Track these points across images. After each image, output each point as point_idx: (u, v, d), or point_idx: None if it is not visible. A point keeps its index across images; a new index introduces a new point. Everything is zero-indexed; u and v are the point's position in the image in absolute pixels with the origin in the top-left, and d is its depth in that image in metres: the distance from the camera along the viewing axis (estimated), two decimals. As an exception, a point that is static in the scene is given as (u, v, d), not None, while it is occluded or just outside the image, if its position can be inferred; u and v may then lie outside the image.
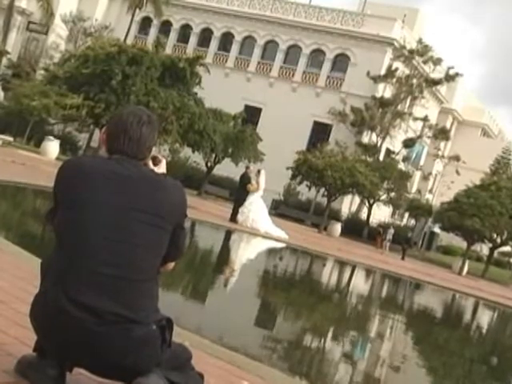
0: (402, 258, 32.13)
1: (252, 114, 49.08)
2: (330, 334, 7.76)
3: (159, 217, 2.35)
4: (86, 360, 2.30)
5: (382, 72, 48.93)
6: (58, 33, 50.88)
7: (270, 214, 25.58)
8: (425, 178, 55.64)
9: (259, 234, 19.77)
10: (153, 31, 56.56)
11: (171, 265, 2.55)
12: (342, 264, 18.44)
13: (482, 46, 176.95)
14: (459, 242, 44.86)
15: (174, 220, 2.40)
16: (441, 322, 12.13)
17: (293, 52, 53.66)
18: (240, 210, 20.78)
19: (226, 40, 55.99)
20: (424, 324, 11.11)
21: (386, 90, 49.87)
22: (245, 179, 21.52)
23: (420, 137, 52.41)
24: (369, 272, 18.60)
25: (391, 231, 38.86)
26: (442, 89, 56.53)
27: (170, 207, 2.39)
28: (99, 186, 2.33)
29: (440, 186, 57.09)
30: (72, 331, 2.24)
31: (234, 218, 20.74)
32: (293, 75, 53.14)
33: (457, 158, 52.17)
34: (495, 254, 41.46)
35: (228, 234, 18.20)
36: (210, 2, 55.97)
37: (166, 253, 2.42)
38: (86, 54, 32.02)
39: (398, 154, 50.32)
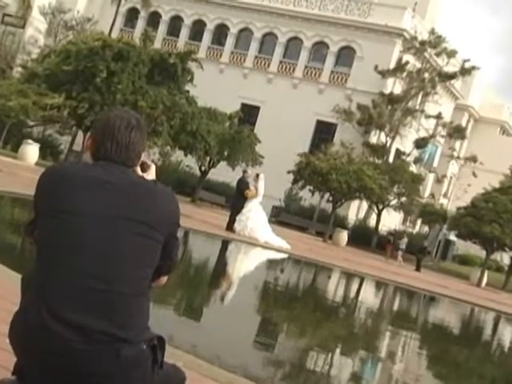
0: (417, 269, 32.12)
1: (249, 114, 49.15)
2: (336, 355, 7.76)
3: (150, 226, 2.36)
4: (71, 383, 2.31)
5: (391, 66, 49.03)
6: (36, 26, 50.94)
7: (270, 221, 25.58)
8: (439, 181, 55.70)
9: (258, 243, 19.76)
10: (140, 24, 56.67)
11: (164, 279, 2.55)
12: (349, 276, 18.43)
13: (500, 37, 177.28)
14: (477, 251, 44.84)
15: (165, 230, 2.41)
16: (458, 339, 12.13)
17: (293, 45, 53.77)
18: (237, 218, 20.77)
19: (221, 33, 56.10)
20: (440, 342, 11.10)
21: (395, 86, 49.96)
22: (242, 184, 21.52)
23: (433, 136, 52.48)
24: (379, 285, 18.59)
25: (405, 240, 38.88)
26: (457, 83, 56.64)
27: (161, 216, 2.40)
28: (84, 194, 2.34)
29: (455, 189, 57.17)
30: (55, 351, 2.24)
31: (230, 226, 20.74)
32: (293, 70, 53.23)
33: (473, 159, 52.25)
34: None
35: (224, 244, 18.20)
36: (203, -9, 56.19)
37: (157, 266, 2.43)
38: (67, 50, 32.06)
39: (409, 155, 50.37)
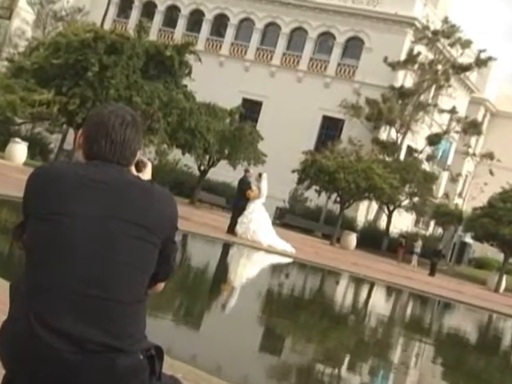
0: (431, 274, 32.08)
1: (251, 109, 49.18)
2: (345, 366, 7.76)
3: (147, 229, 2.36)
4: (63, 396, 2.31)
5: (402, 57, 49.01)
6: (24, 17, 51.05)
7: (274, 224, 25.58)
8: (453, 179, 55.66)
9: (261, 247, 19.77)
10: (134, 14, 56.72)
11: (161, 285, 2.55)
12: (358, 281, 18.42)
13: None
14: (495, 254, 44.81)
15: (163, 233, 2.41)
16: (476, 348, 12.12)
17: (297, 36, 53.77)
18: (239, 220, 20.78)
19: (220, 23, 56.13)
20: (456, 352, 11.09)
21: (406, 79, 49.95)
22: (244, 184, 21.54)
23: (447, 132, 52.46)
24: (390, 291, 18.59)
25: (419, 243, 38.89)
26: (472, 76, 56.60)
27: (158, 218, 2.40)
28: (77, 195, 2.34)
29: (471, 188, 57.09)
30: (47, 362, 2.24)
31: (232, 229, 20.75)
32: (298, 63, 53.23)
33: (490, 156, 52.21)
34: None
35: (225, 248, 18.21)
36: (201, -21, 56.22)
37: (154, 271, 2.43)
38: (56, 42, 32.08)
39: (421, 152, 50.37)
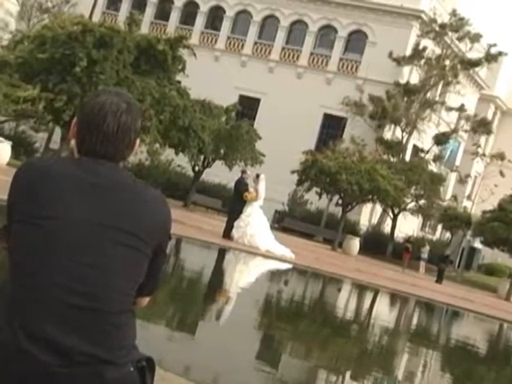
0: (438, 281, 32.08)
1: (248, 107, 49.20)
2: (347, 381, 7.75)
3: (138, 237, 2.33)
4: (49, 411, 2.30)
5: (408, 52, 49.08)
6: (7, 9, 51.01)
7: (272, 228, 25.58)
8: (461, 181, 55.70)
9: (259, 252, 19.76)
10: (125, 6, 56.74)
11: (145, 300, 2.52)
12: (361, 289, 18.42)
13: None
14: (506, 260, 44.88)
15: (154, 242, 2.38)
16: (486, 360, 12.11)
17: (297, 29, 53.82)
18: (235, 224, 20.77)
19: (215, 16, 56.17)
20: (465, 364, 11.09)
21: (412, 75, 50.01)
22: (241, 186, 21.53)
23: (455, 131, 52.51)
24: (395, 298, 18.59)
25: (427, 249, 38.91)
26: (482, 71, 56.69)
27: (150, 226, 2.37)
28: (67, 197, 2.32)
29: (481, 190, 57.12)
30: (33, 375, 2.23)
31: (228, 233, 20.73)
32: (297, 58, 53.28)
33: (501, 156, 52.25)
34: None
35: (221, 253, 18.20)
36: (195, -31, 56.24)
37: (142, 284, 2.40)
38: (42, 35, 32.06)
39: (427, 152, 50.42)
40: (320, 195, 38.66)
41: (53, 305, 2.26)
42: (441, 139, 51.07)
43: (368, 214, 48.59)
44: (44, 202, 2.32)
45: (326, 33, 53.23)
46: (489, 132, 54.84)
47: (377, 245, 42.66)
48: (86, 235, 2.30)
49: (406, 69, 49.76)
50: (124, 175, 2.43)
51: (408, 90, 48.53)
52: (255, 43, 54.63)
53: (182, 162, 42.02)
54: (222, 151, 36.97)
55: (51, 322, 2.24)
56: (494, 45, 50.03)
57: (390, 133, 49.65)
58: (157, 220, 2.40)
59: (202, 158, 37.63)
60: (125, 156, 2.44)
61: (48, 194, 2.32)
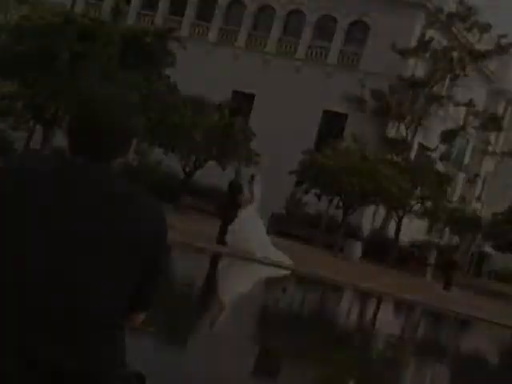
0: (446, 288, 32.06)
1: (242, 103, 49.17)
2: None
3: (125, 246, 2.32)
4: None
5: (412, 44, 49.13)
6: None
7: (269, 232, 25.57)
8: (470, 181, 55.84)
9: (255, 258, 19.75)
10: (110, -4, 56.71)
11: (140, 317, 2.50)
12: (364, 296, 18.43)
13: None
14: (518, 265, 44.90)
15: (144, 254, 2.36)
16: (499, 373, 12.12)
17: (294, 20, 53.83)
18: (229, 228, 20.77)
19: (207, 5, 56.15)
20: (477, 378, 11.10)
21: (417, 68, 50.04)
22: (234, 188, 21.53)
23: (463, 127, 52.59)
24: (400, 306, 18.60)
25: (433, 254, 38.96)
26: (492, 64, 56.79)
27: (143, 237, 2.34)
28: (50, 201, 2.31)
29: (491, 191, 57.20)
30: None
31: (221, 238, 20.72)
32: (295, 50, 53.29)
33: (512, 155, 52.40)
34: None
35: (214, 259, 18.19)
36: (185, -45, 56.22)
37: (133, 299, 2.38)
38: (20, 26, 32.01)
39: (434, 150, 50.48)
40: (319, 197, 38.67)
41: (35, 319, 2.25)
42: (448, 136, 51.13)
43: (370, 217, 48.57)
44: (22, 205, 2.30)
45: (325, 23, 53.21)
46: (499, 128, 54.90)
47: (380, 249, 42.62)
48: (73, 243, 2.29)
49: (411, 61, 49.76)
50: (117, 179, 2.41)
51: (413, 84, 48.54)
52: (249, 35, 54.60)
53: (171, 163, 41.97)
54: (214, 151, 36.96)
55: (33, 338, 2.23)
56: (505, 36, 50.14)
57: (394, 130, 49.67)
58: (148, 229, 2.37)
59: (192, 158, 37.60)
60: (119, 153, 2.42)
61: (26, 197, 2.30)
